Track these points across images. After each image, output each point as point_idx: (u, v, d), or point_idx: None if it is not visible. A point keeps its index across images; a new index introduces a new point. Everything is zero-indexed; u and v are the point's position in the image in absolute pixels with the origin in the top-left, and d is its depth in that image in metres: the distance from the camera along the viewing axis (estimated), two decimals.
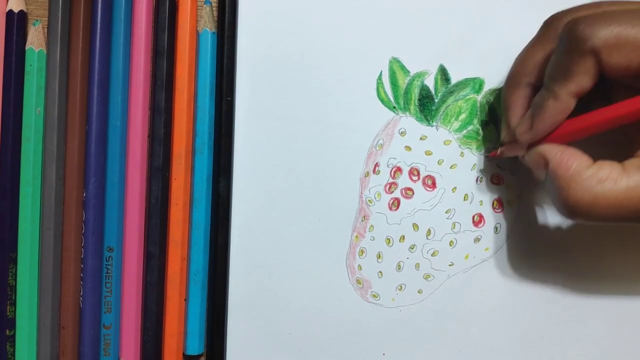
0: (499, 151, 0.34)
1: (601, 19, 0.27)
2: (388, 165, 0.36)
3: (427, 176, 0.36)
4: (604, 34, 0.27)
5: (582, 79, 0.28)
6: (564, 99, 0.29)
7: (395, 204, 0.36)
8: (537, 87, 0.31)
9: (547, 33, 0.30)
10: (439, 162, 0.36)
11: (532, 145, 0.31)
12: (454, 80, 0.36)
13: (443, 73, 0.36)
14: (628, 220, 0.28)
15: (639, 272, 0.37)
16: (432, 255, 0.36)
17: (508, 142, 0.33)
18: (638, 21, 0.27)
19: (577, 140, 0.30)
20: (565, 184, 0.28)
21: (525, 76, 0.31)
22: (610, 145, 0.30)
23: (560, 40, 0.28)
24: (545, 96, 0.29)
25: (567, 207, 0.28)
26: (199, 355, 0.37)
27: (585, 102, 0.29)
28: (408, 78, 0.36)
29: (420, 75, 0.36)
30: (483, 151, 0.36)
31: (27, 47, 0.35)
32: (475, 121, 0.36)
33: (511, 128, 0.32)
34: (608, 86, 0.30)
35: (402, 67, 0.36)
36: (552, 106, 0.29)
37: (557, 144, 0.30)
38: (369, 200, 0.36)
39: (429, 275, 0.36)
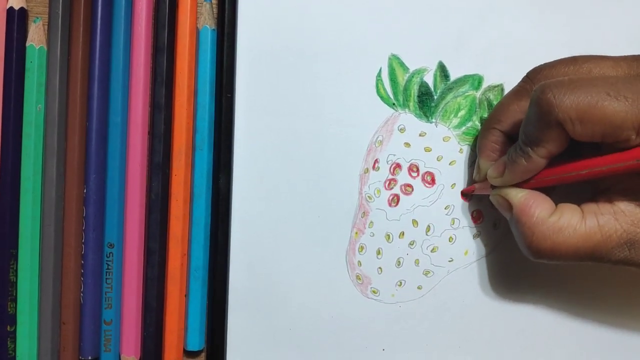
0: (472, 189, 0.35)
1: (567, 90, 0.27)
2: (387, 162, 0.36)
3: (426, 172, 0.36)
4: (567, 106, 0.27)
5: (551, 145, 0.29)
6: (534, 159, 0.30)
7: (394, 200, 0.36)
8: (509, 135, 0.33)
9: (525, 86, 0.32)
10: (438, 159, 0.36)
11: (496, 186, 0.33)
12: (453, 77, 0.36)
13: (442, 70, 0.36)
14: (585, 261, 0.30)
15: None
16: (431, 251, 0.36)
17: (479, 181, 0.34)
18: (602, 92, 0.27)
19: None
20: (529, 230, 0.30)
21: (499, 123, 0.33)
22: (574, 186, 0.31)
23: (530, 105, 0.29)
24: (518, 153, 0.30)
25: (531, 252, 0.30)
26: (200, 351, 0.37)
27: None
28: (407, 75, 0.36)
29: (419, 72, 0.36)
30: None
31: (27, 44, 0.35)
32: (474, 118, 0.36)
33: (481, 170, 0.34)
34: None
35: (402, 64, 0.36)
36: (523, 164, 0.30)
37: (520, 189, 0.32)
38: (368, 197, 0.36)
39: (429, 271, 0.36)
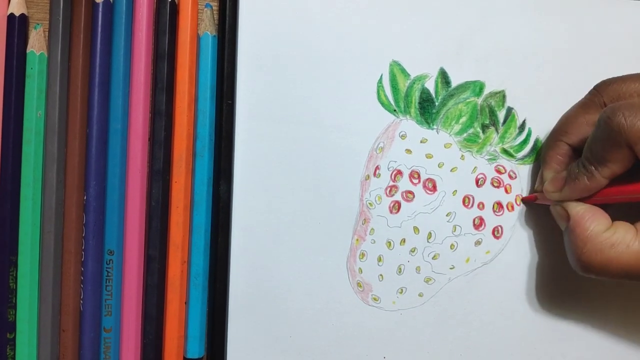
0: (534, 197, 0.35)
1: (638, 112, 0.28)
2: (389, 169, 0.36)
3: (427, 179, 0.36)
4: (638, 128, 0.27)
5: (617, 166, 0.29)
6: (597, 179, 0.30)
7: (395, 207, 0.36)
8: (575, 148, 0.33)
9: (593, 99, 0.32)
10: (440, 165, 0.36)
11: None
12: (454, 83, 0.36)
13: (443, 76, 0.36)
14: (637, 280, 0.30)
15: None
16: (432, 258, 0.36)
17: (540, 190, 0.34)
18: None
19: None
20: (582, 243, 0.30)
21: (565, 136, 0.33)
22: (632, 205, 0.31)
23: (598, 125, 0.29)
24: (580, 171, 0.31)
25: (580, 265, 0.30)
26: (200, 359, 0.37)
27: None
28: (408, 81, 0.36)
29: (420, 78, 0.36)
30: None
31: (28, 51, 0.35)
32: (476, 124, 0.36)
33: (544, 180, 0.34)
34: None
35: (403, 71, 0.36)
36: (584, 182, 0.31)
37: (580, 202, 0.32)
38: (369, 204, 0.36)
39: (430, 279, 0.36)
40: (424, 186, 0.36)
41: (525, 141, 0.36)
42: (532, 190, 0.36)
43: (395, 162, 0.36)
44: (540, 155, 0.36)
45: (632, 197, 0.30)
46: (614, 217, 0.31)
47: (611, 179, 0.30)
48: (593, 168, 0.30)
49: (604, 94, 0.31)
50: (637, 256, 0.29)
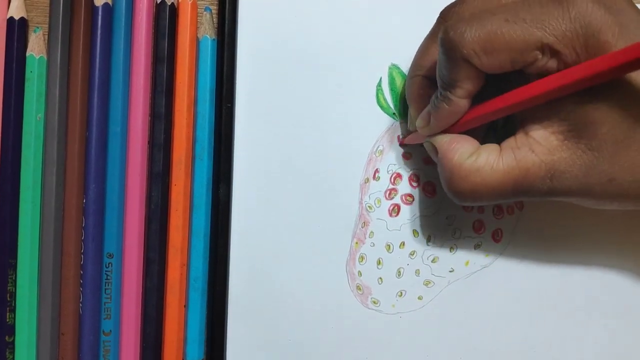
0: (405, 139, 0.35)
1: (466, 25, 0.27)
2: (388, 172, 0.36)
3: (427, 182, 0.36)
4: (469, 41, 0.27)
5: (467, 84, 0.28)
6: (455, 102, 0.29)
7: (395, 210, 0.36)
8: (432, 79, 0.31)
9: (439, 26, 0.31)
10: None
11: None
12: None
13: None
14: (512, 198, 0.29)
15: None
16: (432, 261, 0.36)
17: (413, 130, 0.34)
18: (501, 19, 0.26)
19: None
20: (449, 173, 0.30)
21: (421, 69, 0.32)
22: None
23: (439, 46, 0.28)
24: (439, 99, 0.30)
25: (452, 194, 0.30)
26: None
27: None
28: None
29: None
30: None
31: (27, 54, 0.35)
32: None
33: (412, 119, 0.33)
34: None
35: (402, 74, 0.36)
36: (445, 108, 0.30)
37: (446, 134, 0.31)
38: (368, 207, 0.36)
39: (430, 282, 0.36)
40: (424, 189, 0.36)
41: None
42: (408, 132, 0.35)
43: (395, 165, 0.36)
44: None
45: (491, 114, 0.29)
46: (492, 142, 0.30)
47: (469, 97, 0.29)
48: (448, 92, 0.29)
49: (448, 19, 0.30)
50: (502, 175, 0.28)
